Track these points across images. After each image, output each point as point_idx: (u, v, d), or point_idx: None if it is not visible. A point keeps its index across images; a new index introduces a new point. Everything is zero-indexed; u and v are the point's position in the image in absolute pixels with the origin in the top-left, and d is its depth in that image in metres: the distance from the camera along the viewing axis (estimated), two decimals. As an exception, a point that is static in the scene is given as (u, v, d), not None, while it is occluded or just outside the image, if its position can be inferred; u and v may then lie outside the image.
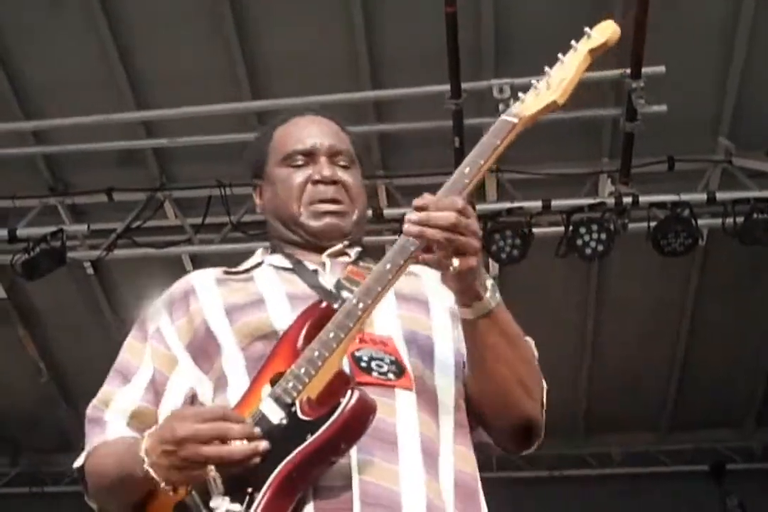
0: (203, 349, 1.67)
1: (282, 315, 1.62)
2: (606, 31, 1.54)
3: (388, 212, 4.89)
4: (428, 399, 1.56)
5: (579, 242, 4.60)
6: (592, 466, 6.89)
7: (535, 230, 4.70)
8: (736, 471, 6.72)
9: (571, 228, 4.64)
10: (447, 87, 4.29)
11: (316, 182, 1.74)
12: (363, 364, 1.50)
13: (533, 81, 1.53)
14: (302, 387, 1.41)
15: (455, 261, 1.40)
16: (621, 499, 6.75)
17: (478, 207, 4.68)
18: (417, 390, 1.54)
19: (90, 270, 5.52)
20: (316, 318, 1.52)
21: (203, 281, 1.81)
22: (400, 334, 1.59)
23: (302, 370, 1.40)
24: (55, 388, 6.69)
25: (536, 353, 1.72)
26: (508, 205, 4.79)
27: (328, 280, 1.69)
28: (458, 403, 1.62)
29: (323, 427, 1.35)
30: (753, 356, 6.19)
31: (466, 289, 1.46)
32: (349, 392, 1.36)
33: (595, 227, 4.59)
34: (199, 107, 4.70)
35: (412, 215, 1.41)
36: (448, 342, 1.63)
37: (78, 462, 1.62)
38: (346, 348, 1.45)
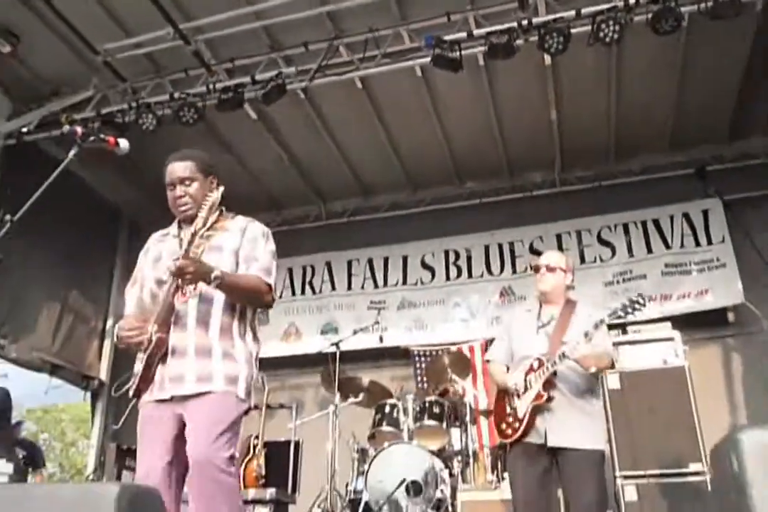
0: (142, 277, 2.52)
1: (165, 265, 2.37)
2: None
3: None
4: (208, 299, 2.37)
5: None
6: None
7: None
8: (714, 170, 6.63)
9: None
10: None
11: (175, 198, 2.48)
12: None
13: None
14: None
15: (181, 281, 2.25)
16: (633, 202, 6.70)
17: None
18: (201, 296, 2.36)
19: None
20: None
21: (151, 242, 2.59)
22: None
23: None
24: (293, 169, 7.20)
25: (262, 285, 2.40)
26: None
27: (186, 237, 2.35)
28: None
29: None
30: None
31: (199, 282, 2.27)
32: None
33: None
34: None
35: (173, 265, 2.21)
36: (227, 269, 2.36)
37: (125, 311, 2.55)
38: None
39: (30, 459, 5.63)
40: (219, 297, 2.36)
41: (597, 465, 3.12)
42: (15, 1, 5.27)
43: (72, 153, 2.45)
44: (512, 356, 3.42)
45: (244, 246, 2.44)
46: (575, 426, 3.16)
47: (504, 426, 3.28)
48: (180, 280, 2.26)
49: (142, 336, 2.29)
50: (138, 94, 6.03)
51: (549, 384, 3.16)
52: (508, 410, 3.28)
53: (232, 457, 2.23)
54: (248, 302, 2.43)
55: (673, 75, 5.97)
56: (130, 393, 2.36)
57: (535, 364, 3.22)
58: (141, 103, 5.88)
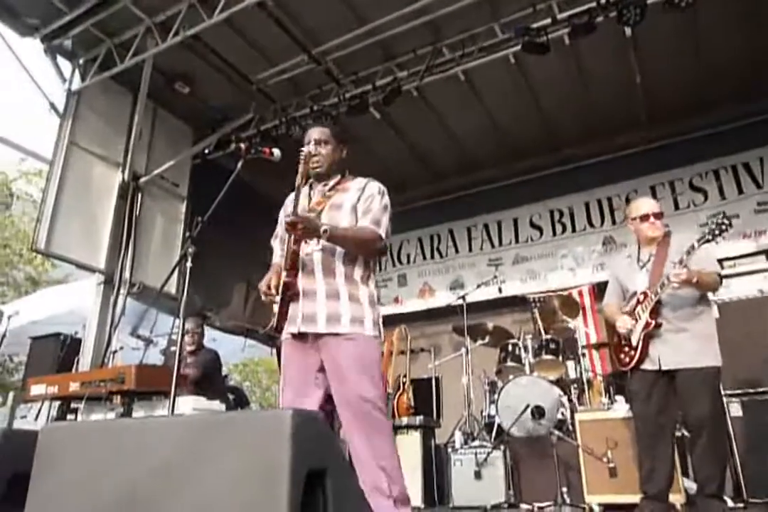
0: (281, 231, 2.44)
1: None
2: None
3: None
4: (331, 251, 2.24)
5: None
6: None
7: None
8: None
9: None
10: None
11: (308, 155, 2.34)
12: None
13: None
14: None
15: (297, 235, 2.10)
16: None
17: None
18: (323, 249, 2.24)
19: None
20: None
21: (287, 200, 2.47)
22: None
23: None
24: (412, 155, 7.27)
25: (371, 234, 2.24)
26: None
27: (314, 195, 2.36)
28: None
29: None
30: None
31: (311, 236, 2.14)
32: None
33: None
34: None
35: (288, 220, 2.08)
36: (346, 223, 2.27)
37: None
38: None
39: (237, 401, 6.16)
40: (340, 249, 2.25)
41: (709, 382, 2.93)
42: (188, 52, 5.65)
43: (239, 165, 2.59)
44: (623, 296, 3.30)
45: (361, 201, 2.31)
46: (685, 348, 2.99)
47: (622, 355, 3.20)
48: (294, 234, 2.14)
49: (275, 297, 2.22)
50: (286, 111, 6.25)
51: (654, 312, 3.05)
52: (623, 341, 3.19)
53: (382, 393, 2.06)
54: (359, 250, 2.27)
55: (747, 29, 5.39)
56: (273, 327, 2.27)
57: (641, 298, 3.14)
58: (289, 117, 6.13)
